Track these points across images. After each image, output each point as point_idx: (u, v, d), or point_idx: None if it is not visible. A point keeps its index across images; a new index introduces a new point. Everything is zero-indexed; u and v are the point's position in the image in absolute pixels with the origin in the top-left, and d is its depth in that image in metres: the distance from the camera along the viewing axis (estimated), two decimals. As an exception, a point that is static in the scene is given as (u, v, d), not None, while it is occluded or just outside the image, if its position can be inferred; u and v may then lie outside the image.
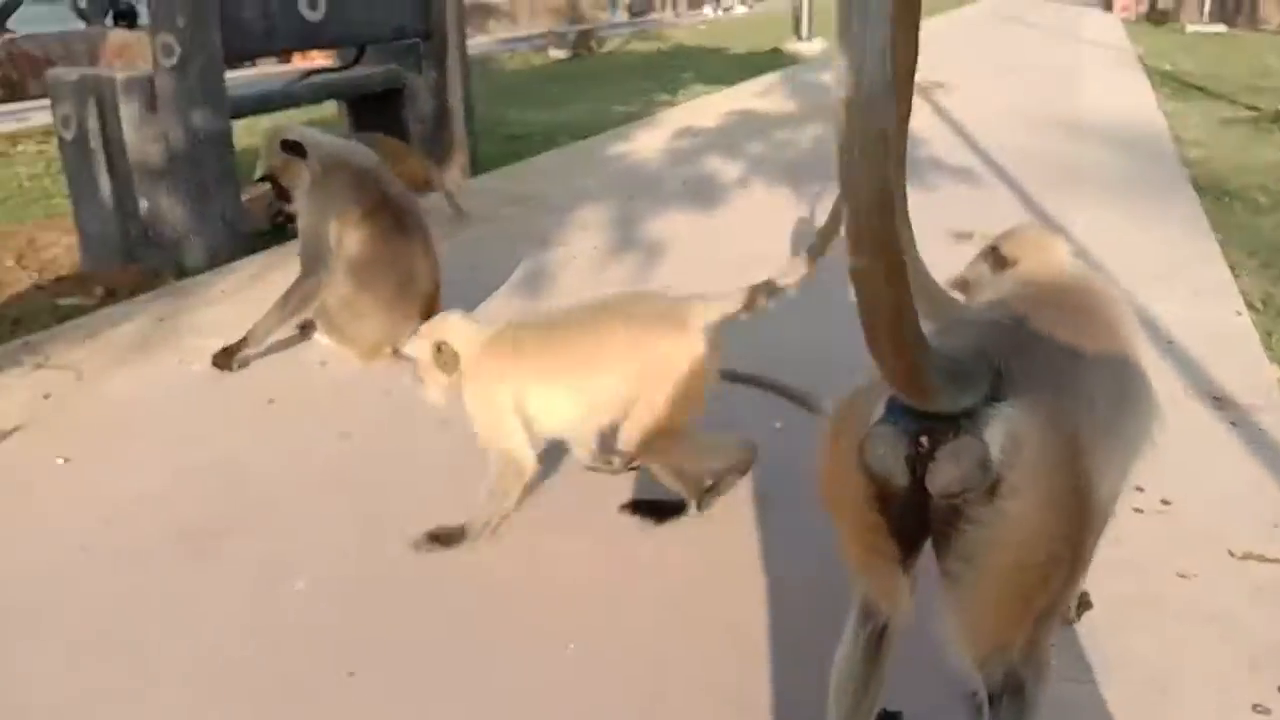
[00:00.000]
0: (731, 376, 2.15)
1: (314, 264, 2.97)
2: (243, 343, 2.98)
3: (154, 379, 2.86)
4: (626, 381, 1.97)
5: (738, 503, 2.14)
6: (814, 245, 2.11)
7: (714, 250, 4.00)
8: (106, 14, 11.78)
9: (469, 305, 3.43)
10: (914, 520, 1.18)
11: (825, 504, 1.26)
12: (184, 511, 2.18)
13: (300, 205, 3.02)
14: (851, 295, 0.91)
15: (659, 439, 1.99)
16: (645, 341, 1.98)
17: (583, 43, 13.94)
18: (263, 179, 3.13)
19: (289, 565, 1.97)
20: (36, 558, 2.02)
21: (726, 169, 5.51)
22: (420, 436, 2.48)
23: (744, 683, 1.62)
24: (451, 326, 2.05)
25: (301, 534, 2.09)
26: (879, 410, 1.15)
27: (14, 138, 8.00)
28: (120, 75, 4.43)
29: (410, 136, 5.84)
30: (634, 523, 2.08)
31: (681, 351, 1.96)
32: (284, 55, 9.62)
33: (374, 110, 5.83)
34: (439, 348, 2.00)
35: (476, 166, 5.99)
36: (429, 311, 2.80)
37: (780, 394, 2.39)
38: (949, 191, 4.94)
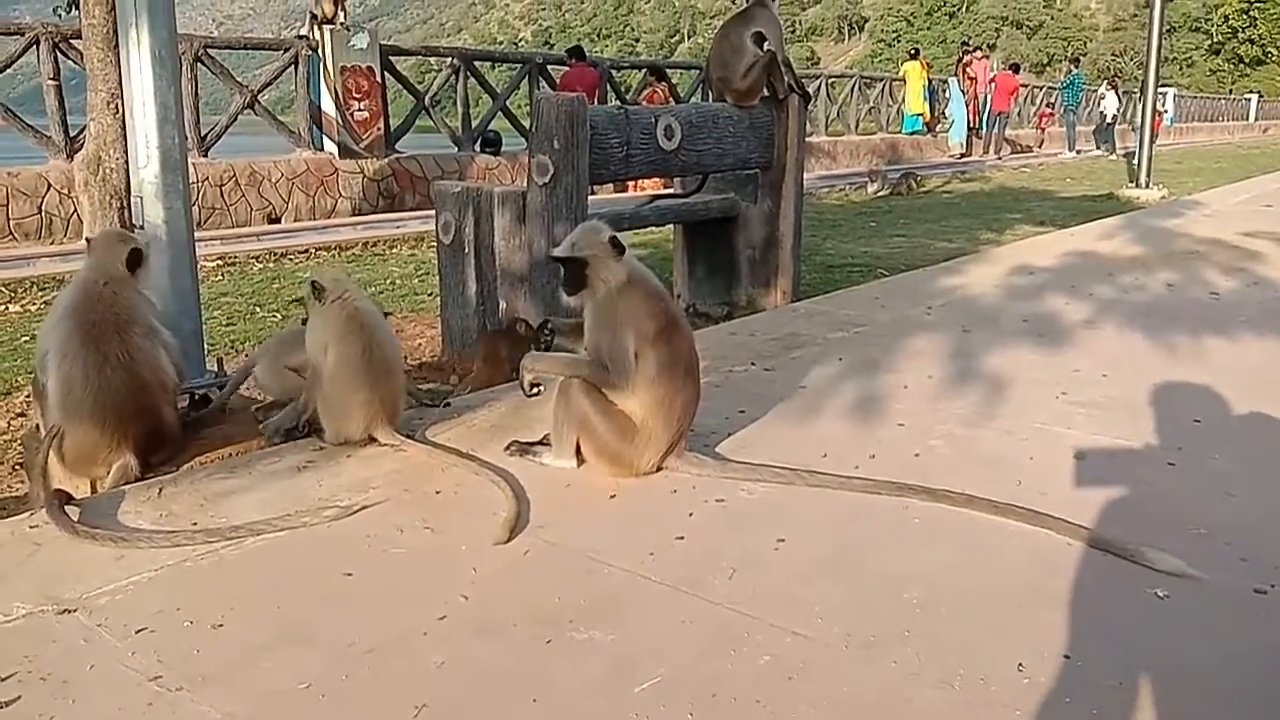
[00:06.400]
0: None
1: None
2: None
3: (507, 464, 3.02)
4: None
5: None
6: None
7: (1064, 391, 3.75)
8: (476, 142, 13.31)
9: (797, 424, 3.43)
10: None
11: None
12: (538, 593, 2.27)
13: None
14: None
15: None
16: None
17: (902, 181, 13.96)
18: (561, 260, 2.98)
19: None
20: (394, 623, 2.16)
21: (1071, 309, 5.20)
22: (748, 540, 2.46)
23: None
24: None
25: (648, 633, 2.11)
26: None
27: (391, 242, 9.11)
28: (497, 189, 4.94)
29: (739, 260, 6.07)
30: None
31: None
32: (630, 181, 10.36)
33: (708, 234, 6.12)
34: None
35: (798, 292, 6.09)
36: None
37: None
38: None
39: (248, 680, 1.92)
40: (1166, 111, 25.93)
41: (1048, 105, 26.34)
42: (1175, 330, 4.69)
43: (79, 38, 9.20)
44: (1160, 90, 16.78)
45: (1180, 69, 73.69)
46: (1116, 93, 23.54)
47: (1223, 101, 43.11)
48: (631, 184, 11.24)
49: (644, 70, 16.46)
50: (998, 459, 3.08)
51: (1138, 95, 17.59)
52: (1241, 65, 73.54)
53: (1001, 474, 2.92)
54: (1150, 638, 2.06)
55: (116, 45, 3.68)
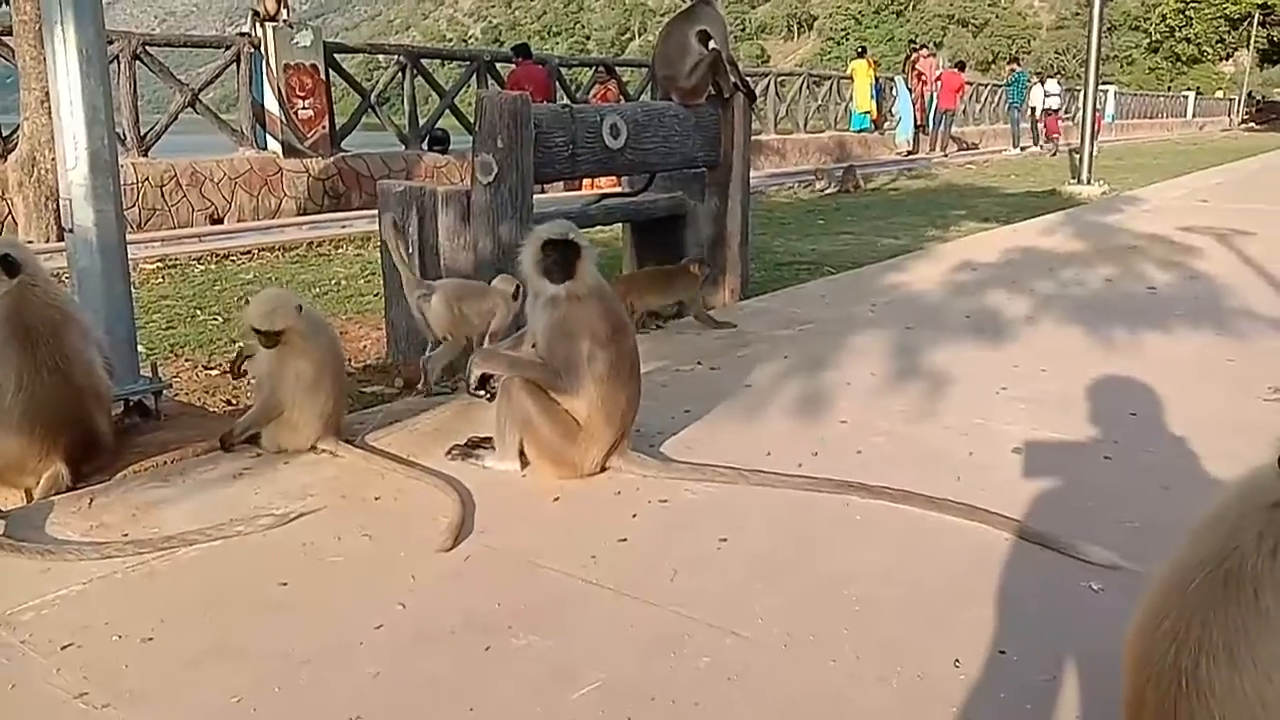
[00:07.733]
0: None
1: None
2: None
3: (448, 468, 2.99)
4: None
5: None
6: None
7: (1004, 386, 3.80)
8: (423, 140, 13.18)
9: (741, 422, 3.44)
10: None
11: None
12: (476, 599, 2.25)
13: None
14: None
15: None
16: None
17: (849, 178, 14.07)
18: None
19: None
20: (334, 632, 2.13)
21: (1012, 305, 5.28)
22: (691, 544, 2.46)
23: None
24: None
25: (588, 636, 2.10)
26: None
27: (337, 242, 8.98)
28: (441, 188, 4.88)
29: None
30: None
31: None
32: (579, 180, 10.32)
33: (656, 232, 6.10)
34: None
35: (747, 290, 6.10)
36: None
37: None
38: (1265, 345, 4.50)
39: (177, 695, 1.88)
40: (1102, 109, 26.30)
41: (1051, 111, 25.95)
42: (1113, 325, 4.78)
43: (10, 34, 9.01)
44: (1101, 88, 17.10)
45: (1121, 66, 75.17)
46: (1043, 85, 23.85)
47: (1161, 99, 44.02)
48: (587, 183, 11.25)
49: (594, 68, 16.44)
50: (938, 455, 3.12)
51: (1079, 92, 17.87)
52: (1179, 63, 75.23)
53: (941, 470, 2.95)
54: (1083, 631, 2.09)
55: (51, 42, 3.57)
